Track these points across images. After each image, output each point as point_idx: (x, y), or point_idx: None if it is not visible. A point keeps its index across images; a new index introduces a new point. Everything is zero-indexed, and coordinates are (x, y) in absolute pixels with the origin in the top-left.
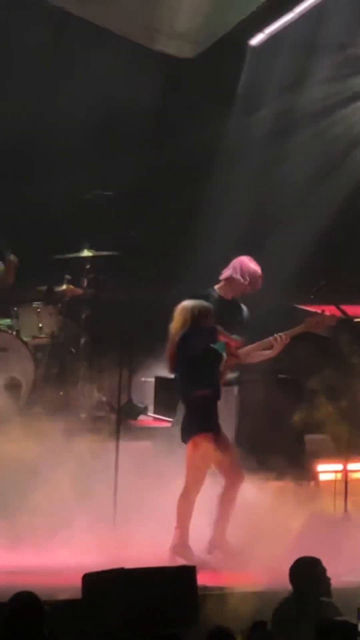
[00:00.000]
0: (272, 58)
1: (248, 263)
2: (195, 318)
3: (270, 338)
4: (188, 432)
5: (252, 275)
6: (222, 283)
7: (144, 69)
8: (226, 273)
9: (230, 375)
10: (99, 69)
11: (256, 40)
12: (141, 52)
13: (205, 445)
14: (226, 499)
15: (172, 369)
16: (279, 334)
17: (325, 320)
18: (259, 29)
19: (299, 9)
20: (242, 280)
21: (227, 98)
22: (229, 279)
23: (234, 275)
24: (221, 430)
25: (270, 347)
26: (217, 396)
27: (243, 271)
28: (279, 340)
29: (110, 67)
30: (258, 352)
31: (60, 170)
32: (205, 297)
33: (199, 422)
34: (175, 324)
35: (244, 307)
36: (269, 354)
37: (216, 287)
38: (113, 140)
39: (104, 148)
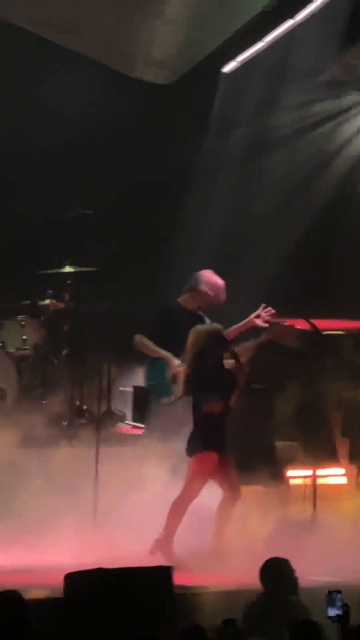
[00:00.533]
0: (244, 84)
1: (211, 276)
2: (205, 340)
3: (240, 346)
4: (193, 447)
5: (216, 287)
6: (185, 296)
7: (123, 93)
8: (190, 286)
9: None
10: (80, 93)
11: (228, 67)
12: (120, 78)
13: (207, 463)
14: (223, 512)
15: (186, 391)
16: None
17: (286, 330)
18: (232, 57)
19: (269, 38)
20: (207, 292)
21: (202, 121)
22: (194, 292)
23: (199, 288)
24: (226, 448)
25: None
26: (225, 414)
27: (207, 284)
28: (246, 348)
29: (90, 91)
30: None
31: (43, 190)
32: (168, 310)
33: (204, 439)
34: (188, 347)
35: (207, 319)
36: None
37: (179, 299)
38: (94, 160)
39: (85, 168)
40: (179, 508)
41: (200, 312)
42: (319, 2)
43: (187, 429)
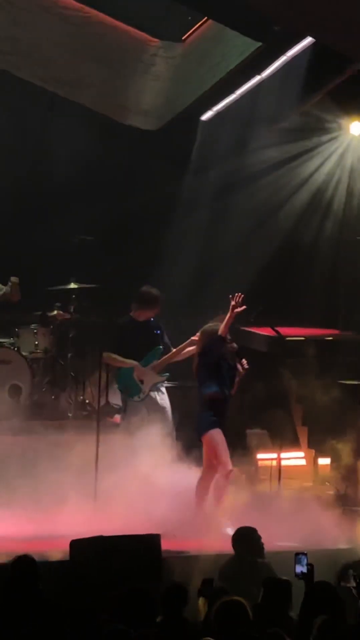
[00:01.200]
0: (219, 130)
1: (147, 291)
2: (208, 339)
3: (191, 338)
4: (200, 430)
5: (150, 300)
6: (134, 310)
7: (117, 138)
8: (134, 303)
9: (162, 378)
10: (80, 137)
11: (206, 116)
12: (114, 126)
13: (214, 439)
14: (217, 487)
15: (196, 378)
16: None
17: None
18: (209, 107)
19: (240, 91)
20: (144, 306)
21: (182, 162)
22: (136, 306)
23: (139, 303)
24: (225, 431)
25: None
26: (225, 399)
27: (143, 299)
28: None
29: (89, 135)
30: (190, 348)
31: (51, 220)
32: (123, 325)
33: (208, 421)
34: (197, 344)
35: (160, 325)
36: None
37: (131, 313)
38: (93, 196)
39: (86, 202)
40: (201, 484)
41: (152, 321)
42: (281, 60)
43: (155, 418)
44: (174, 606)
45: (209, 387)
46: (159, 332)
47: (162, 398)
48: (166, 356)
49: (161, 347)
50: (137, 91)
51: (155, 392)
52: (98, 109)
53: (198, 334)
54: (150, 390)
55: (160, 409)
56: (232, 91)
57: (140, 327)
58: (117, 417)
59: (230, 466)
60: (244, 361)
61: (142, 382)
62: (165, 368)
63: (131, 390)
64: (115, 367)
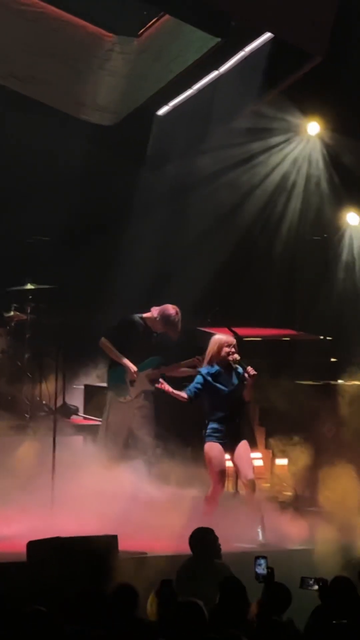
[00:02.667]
0: (175, 125)
1: (173, 315)
2: (215, 349)
3: (194, 358)
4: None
5: (170, 324)
6: (150, 315)
7: (72, 133)
8: (157, 311)
9: (152, 387)
10: (35, 134)
11: (162, 111)
12: (70, 119)
13: (210, 452)
14: (210, 500)
15: None
16: (198, 356)
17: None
18: (165, 102)
19: (197, 86)
20: (163, 325)
21: (138, 158)
22: (156, 317)
23: (159, 318)
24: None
25: (194, 366)
26: (227, 417)
27: (165, 319)
28: (199, 361)
29: (45, 132)
30: (185, 369)
31: (6, 221)
32: (132, 323)
33: (208, 434)
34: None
35: (167, 338)
36: (193, 372)
37: (144, 315)
38: (48, 194)
39: (41, 201)
40: (208, 498)
41: (160, 332)
42: (239, 56)
43: (139, 423)
44: (124, 607)
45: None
46: (163, 343)
47: (148, 404)
48: (164, 368)
49: (161, 357)
50: (92, 87)
51: (143, 397)
52: (53, 105)
53: (201, 356)
54: (136, 396)
55: (146, 414)
56: (189, 86)
57: (147, 331)
58: (75, 418)
59: (219, 489)
60: (250, 368)
61: (131, 385)
62: (157, 379)
63: (119, 390)
64: (107, 363)
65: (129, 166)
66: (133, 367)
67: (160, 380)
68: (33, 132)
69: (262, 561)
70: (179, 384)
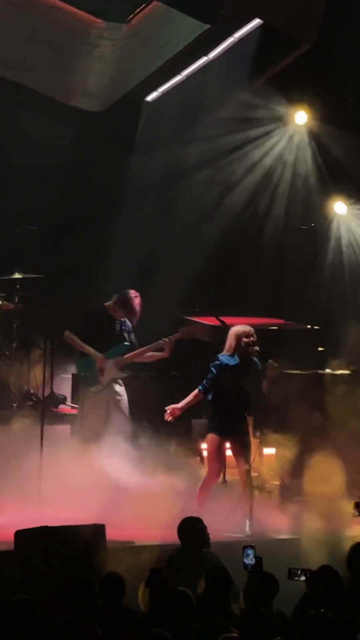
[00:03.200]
0: (164, 111)
1: (133, 298)
2: (234, 340)
3: (160, 341)
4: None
5: (131, 309)
6: (111, 304)
7: (62, 120)
8: (116, 299)
9: (122, 374)
10: (24, 123)
11: (151, 96)
12: (59, 106)
13: (209, 445)
14: (202, 489)
15: None
16: (164, 338)
17: (196, 330)
18: (154, 88)
19: (186, 72)
20: (123, 310)
21: (128, 144)
22: (116, 304)
23: (119, 304)
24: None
25: (162, 350)
26: (228, 409)
27: (125, 303)
28: (166, 343)
29: (33, 119)
30: (153, 353)
31: None
32: (94, 313)
33: (209, 425)
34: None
35: (129, 323)
36: (162, 355)
37: (106, 304)
38: (37, 184)
39: (30, 191)
40: (201, 487)
41: (123, 319)
42: (228, 42)
43: (113, 411)
44: (111, 596)
45: (210, 395)
46: (126, 329)
47: (121, 391)
48: (130, 354)
49: (128, 343)
50: (81, 73)
51: (114, 385)
52: (42, 91)
53: (167, 339)
54: (108, 384)
55: (118, 401)
56: (178, 72)
57: (110, 319)
58: (63, 407)
59: (214, 479)
60: (271, 362)
61: (101, 373)
62: (126, 366)
63: (89, 380)
64: (74, 355)
65: (117, 154)
66: (99, 355)
67: (168, 411)
68: (21, 120)
69: (250, 551)
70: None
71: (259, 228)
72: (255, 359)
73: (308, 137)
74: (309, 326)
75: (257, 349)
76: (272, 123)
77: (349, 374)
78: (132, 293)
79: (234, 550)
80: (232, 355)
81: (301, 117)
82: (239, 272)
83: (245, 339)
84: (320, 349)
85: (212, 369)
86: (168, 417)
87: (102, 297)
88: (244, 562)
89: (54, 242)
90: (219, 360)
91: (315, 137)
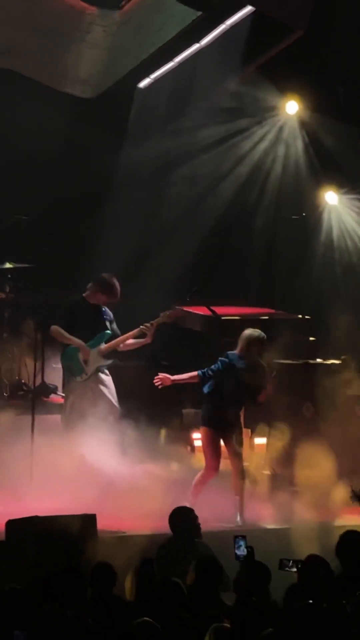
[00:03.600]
0: (156, 98)
1: (109, 279)
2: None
3: (141, 327)
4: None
5: (111, 290)
6: (88, 293)
7: (54, 107)
8: (91, 285)
9: (106, 362)
10: (16, 111)
11: (143, 83)
12: (51, 93)
13: (205, 439)
14: (198, 482)
15: None
16: (145, 323)
17: (178, 314)
18: (146, 74)
19: (178, 59)
20: (103, 293)
21: (120, 131)
22: (94, 291)
23: (98, 288)
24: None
25: (144, 336)
26: (223, 404)
27: (104, 286)
28: (147, 328)
29: (25, 107)
30: (135, 340)
31: None
32: (75, 304)
33: (203, 417)
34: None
35: (108, 311)
36: (144, 341)
37: (84, 295)
38: (28, 172)
39: (21, 180)
40: (198, 481)
41: (102, 307)
42: (220, 29)
43: (99, 400)
44: (101, 585)
45: (207, 386)
46: (107, 317)
47: (106, 380)
48: (113, 342)
49: (109, 332)
50: (74, 59)
51: (99, 374)
52: (35, 77)
53: (148, 324)
54: (92, 373)
55: (104, 390)
56: (170, 59)
57: (91, 309)
58: (54, 397)
59: (212, 473)
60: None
61: (86, 363)
62: (110, 353)
63: (74, 370)
64: (61, 345)
65: (109, 143)
66: (83, 345)
67: (159, 378)
68: (12, 107)
69: (242, 542)
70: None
71: (249, 218)
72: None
73: (299, 127)
74: (299, 316)
75: (265, 359)
76: (263, 113)
77: (339, 364)
78: (106, 275)
79: (224, 540)
80: (241, 357)
81: (292, 107)
82: (230, 261)
83: (255, 348)
84: (311, 338)
85: (219, 363)
86: (157, 381)
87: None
88: (235, 553)
89: (45, 232)
90: (228, 358)
91: (306, 127)
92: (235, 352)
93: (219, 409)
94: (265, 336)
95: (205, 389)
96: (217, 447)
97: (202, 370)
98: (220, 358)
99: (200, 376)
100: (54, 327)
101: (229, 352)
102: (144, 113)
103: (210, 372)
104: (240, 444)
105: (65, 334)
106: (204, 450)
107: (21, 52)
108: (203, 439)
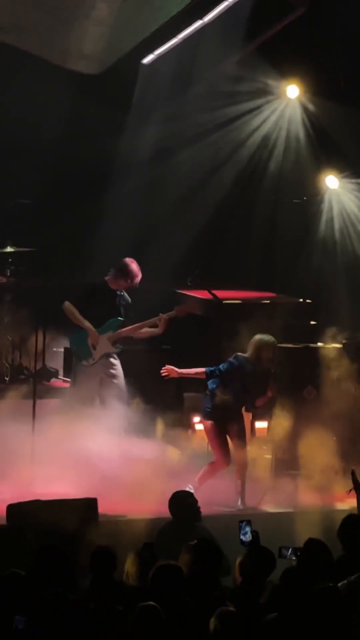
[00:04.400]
0: (159, 74)
1: (131, 264)
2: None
3: (155, 318)
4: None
5: (133, 274)
6: (110, 277)
7: (57, 85)
8: (115, 270)
9: (115, 349)
10: (22, 88)
11: (147, 59)
12: (55, 70)
13: (208, 432)
14: (208, 472)
15: None
16: (161, 314)
17: (190, 308)
18: (150, 50)
19: (181, 35)
20: (125, 278)
21: (124, 107)
22: (116, 275)
23: (121, 273)
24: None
25: (156, 326)
26: (233, 403)
27: (127, 271)
28: (162, 320)
29: (30, 85)
30: (146, 329)
31: None
32: (95, 287)
33: (204, 411)
34: None
35: (127, 296)
36: (156, 331)
37: (106, 278)
38: (30, 155)
39: (22, 162)
40: (207, 471)
41: (121, 292)
42: (223, 5)
43: (107, 385)
44: (102, 570)
45: (212, 382)
46: (124, 303)
47: (115, 365)
48: (124, 329)
49: (122, 319)
50: (78, 35)
51: (108, 359)
52: (39, 54)
53: (163, 315)
54: (100, 358)
55: (112, 375)
56: (174, 35)
57: (108, 293)
58: (55, 381)
59: (223, 466)
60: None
61: (94, 348)
62: (120, 341)
63: (81, 353)
64: (69, 328)
65: (111, 124)
66: (93, 329)
67: (166, 369)
68: (17, 85)
69: (247, 527)
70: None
71: (250, 202)
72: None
73: (300, 111)
74: (301, 300)
75: (273, 367)
76: (263, 97)
77: (340, 347)
78: (128, 259)
79: (225, 524)
80: (250, 362)
81: (293, 90)
82: (231, 245)
83: (265, 353)
84: (312, 322)
85: (228, 364)
86: (164, 372)
87: (94, 270)
88: (240, 538)
89: (46, 216)
90: (237, 360)
91: (306, 110)
92: (246, 355)
93: (223, 404)
94: (276, 341)
95: (210, 384)
96: (224, 439)
97: (210, 369)
98: (229, 359)
99: (207, 373)
100: (68, 304)
101: (239, 354)
102: (148, 88)
103: (217, 372)
104: (244, 434)
105: (77, 313)
106: (211, 444)
107: (25, 29)
108: (208, 433)
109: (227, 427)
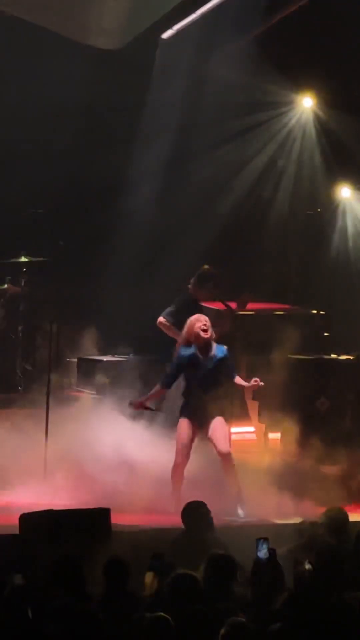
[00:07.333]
0: (179, 50)
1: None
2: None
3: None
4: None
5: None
6: (196, 289)
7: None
8: (204, 282)
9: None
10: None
11: (167, 34)
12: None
13: (178, 428)
14: (172, 473)
15: None
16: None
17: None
18: (169, 25)
19: (200, 11)
20: (212, 290)
21: (144, 86)
22: (204, 287)
23: (210, 285)
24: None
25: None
26: (200, 395)
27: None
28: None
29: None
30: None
31: (1, 192)
32: (185, 300)
33: (180, 409)
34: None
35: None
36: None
37: (190, 291)
38: (44, 164)
39: (37, 172)
40: (173, 471)
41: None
42: None
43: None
44: (115, 580)
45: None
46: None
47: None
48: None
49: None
50: (97, 11)
51: None
52: (58, 30)
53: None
54: None
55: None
56: (193, 11)
57: (193, 306)
58: (68, 391)
59: (177, 462)
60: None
61: None
62: None
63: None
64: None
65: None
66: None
67: (131, 402)
68: (37, 63)
69: (264, 545)
70: None
71: (264, 212)
72: (217, 346)
73: (314, 122)
74: (314, 311)
75: (211, 334)
76: (278, 108)
77: (353, 359)
78: (205, 268)
79: (237, 534)
80: (189, 345)
81: (307, 101)
82: (245, 256)
83: (198, 324)
84: (325, 334)
85: (172, 364)
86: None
87: (108, 279)
88: (257, 555)
89: (61, 226)
90: (179, 355)
91: (321, 121)
92: (182, 344)
93: (192, 399)
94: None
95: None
96: (186, 435)
97: (162, 380)
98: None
99: (164, 384)
100: (163, 319)
101: (180, 349)
102: (167, 63)
103: (168, 378)
104: (227, 431)
105: (174, 328)
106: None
107: (45, 4)
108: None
109: (203, 425)
